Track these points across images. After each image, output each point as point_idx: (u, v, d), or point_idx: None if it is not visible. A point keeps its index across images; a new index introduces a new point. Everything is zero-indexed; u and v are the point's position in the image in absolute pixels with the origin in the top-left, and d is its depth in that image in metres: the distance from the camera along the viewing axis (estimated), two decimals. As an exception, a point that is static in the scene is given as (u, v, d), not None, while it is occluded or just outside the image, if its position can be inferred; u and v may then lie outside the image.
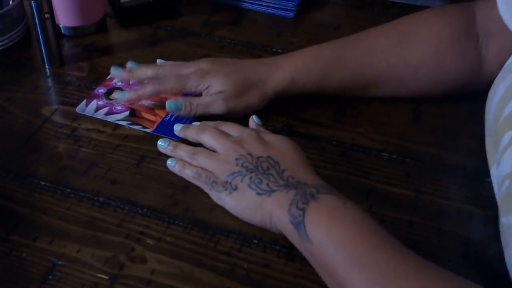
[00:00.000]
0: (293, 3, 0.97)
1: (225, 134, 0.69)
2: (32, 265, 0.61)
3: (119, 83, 0.83)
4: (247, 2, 0.99)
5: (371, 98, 0.80)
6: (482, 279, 0.60)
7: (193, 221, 0.65)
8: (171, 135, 0.75)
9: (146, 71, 0.78)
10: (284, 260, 0.61)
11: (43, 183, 0.69)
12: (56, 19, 0.85)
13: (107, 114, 0.78)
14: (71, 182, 0.69)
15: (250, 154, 0.65)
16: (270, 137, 0.68)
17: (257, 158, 0.64)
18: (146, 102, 0.79)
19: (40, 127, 0.77)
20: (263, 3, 0.98)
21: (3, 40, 0.88)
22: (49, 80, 0.85)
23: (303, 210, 0.58)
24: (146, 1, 0.95)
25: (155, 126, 0.76)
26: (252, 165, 0.64)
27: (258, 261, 0.61)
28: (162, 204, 0.67)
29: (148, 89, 0.76)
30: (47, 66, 0.86)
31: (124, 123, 0.77)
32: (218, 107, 0.75)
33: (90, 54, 0.89)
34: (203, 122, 0.73)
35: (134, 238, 0.63)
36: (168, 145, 0.71)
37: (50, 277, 0.60)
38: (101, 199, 0.67)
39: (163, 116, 0.77)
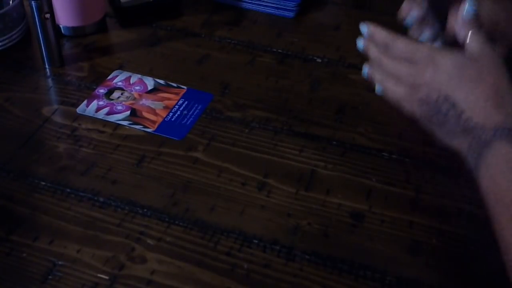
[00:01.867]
0: (293, 3, 0.97)
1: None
2: (32, 265, 0.61)
3: (119, 83, 0.83)
4: (247, 2, 0.99)
5: (371, 97, 0.79)
6: (482, 279, 0.60)
7: (193, 221, 0.65)
8: (172, 134, 0.75)
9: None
10: (284, 260, 0.61)
11: (43, 183, 0.69)
12: (56, 19, 0.84)
13: (108, 114, 0.78)
14: (71, 182, 0.69)
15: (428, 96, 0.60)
16: (448, 61, 0.60)
17: (435, 101, 0.60)
18: (147, 102, 0.79)
19: (40, 127, 0.77)
20: (263, 3, 0.98)
21: (3, 40, 0.88)
22: (49, 80, 0.85)
23: (477, 158, 0.55)
24: (146, 1, 0.95)
25: (156, 126, 0.76)
26: (432, 111, 0.60)
27: (258, 261, 0.61)
28: (162, 204, 0.67)
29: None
30: (47, 66, 0.86)
31: (125, 123, 0.77)
32: None
33: (90, 54, 0.89)
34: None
35: (134, 238, 0.63)
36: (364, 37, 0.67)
37: (50, 277, 0.60)
38: (101, 199, 0.67)
39: (164, 116, 0.78)
